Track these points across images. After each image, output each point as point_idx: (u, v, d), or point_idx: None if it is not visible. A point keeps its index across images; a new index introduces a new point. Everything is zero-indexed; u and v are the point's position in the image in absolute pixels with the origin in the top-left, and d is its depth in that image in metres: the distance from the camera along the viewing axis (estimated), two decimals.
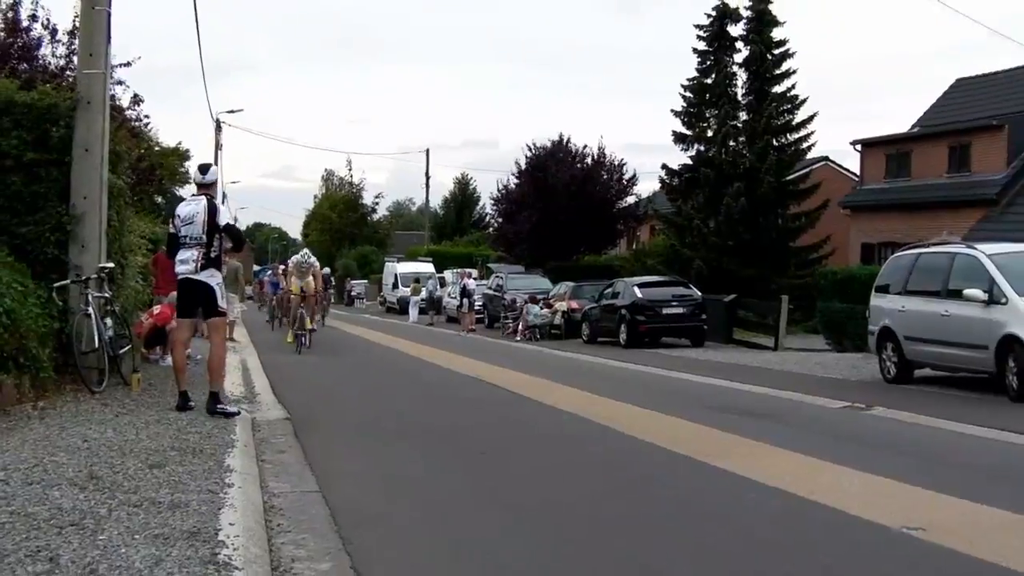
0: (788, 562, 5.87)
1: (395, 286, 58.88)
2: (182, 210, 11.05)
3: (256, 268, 52.25)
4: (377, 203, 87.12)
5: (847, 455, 9.30)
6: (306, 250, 28.08)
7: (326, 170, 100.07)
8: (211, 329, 11.31)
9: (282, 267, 36.27)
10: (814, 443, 10.10)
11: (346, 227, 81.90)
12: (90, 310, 12.00)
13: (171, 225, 11.28)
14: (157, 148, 23.58)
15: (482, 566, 5.89)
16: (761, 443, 10.10)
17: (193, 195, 11.36)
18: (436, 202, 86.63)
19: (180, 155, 28.99)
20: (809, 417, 12.46)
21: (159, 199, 26.10)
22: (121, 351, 12.89)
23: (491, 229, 67.77)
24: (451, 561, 5.99)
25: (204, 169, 11.53)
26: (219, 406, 10.78)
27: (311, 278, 25.26)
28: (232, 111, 66.39)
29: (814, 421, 11.99)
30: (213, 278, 10.89)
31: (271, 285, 37.87)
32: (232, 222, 11.26)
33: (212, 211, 10.88)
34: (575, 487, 8.11)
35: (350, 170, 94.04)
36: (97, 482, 6.94)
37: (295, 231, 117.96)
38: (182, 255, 10.88)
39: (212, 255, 10.89)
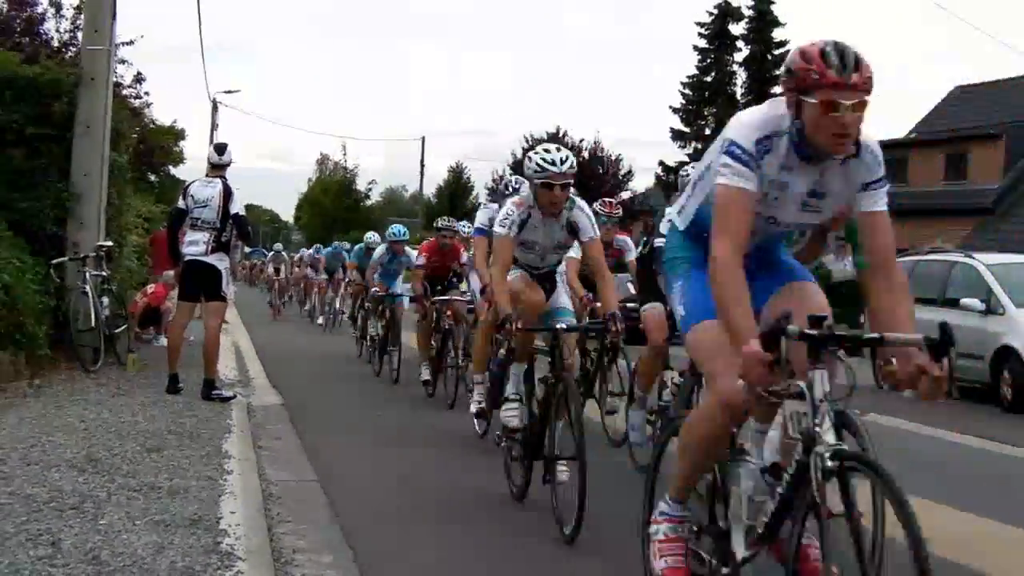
0: None
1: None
2: (197, 191, 10.95)
3: (248, 250, 51.86)
4: (371, 189, 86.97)
5: None
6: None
7: (321, 154, 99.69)
8: (209, 313, 11.17)
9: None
10: None
11: (339, 212, 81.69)
12: (87, 288, 11.93)
13: (180, 200, 11.15)
14: (152, 126, 23.41)
15: (488, 562, 5.86)
16: None
17: (207, 176, 11.18)
18: (430, 190, 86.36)
19: (175, 134, 28.78)
20: None
21: (153, 177, 25.93)
22: (117, 330, 12.82)
23: None
24: (455, 555, 5.95)
25: (221, 149, 11.38)
26: (214, 392, 10.72)
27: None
28: (229, 91, 66.01)
29: None
30: (222, 262, 10.83)
31: (312, 270, 28.06)
32: (243, 212, 11.16)
33: (227, 196, 10.85)
34: None
35: (345, 155, 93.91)
36: (96, 464, 6.89)
37: (287, 214, 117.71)
38: (192, 236, 10.81)
39: (223, 239, 10.84)
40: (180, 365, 11.05)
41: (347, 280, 21.73)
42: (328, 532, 6.20)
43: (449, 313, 12.51)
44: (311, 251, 31.82)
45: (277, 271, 31.85)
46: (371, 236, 20.14)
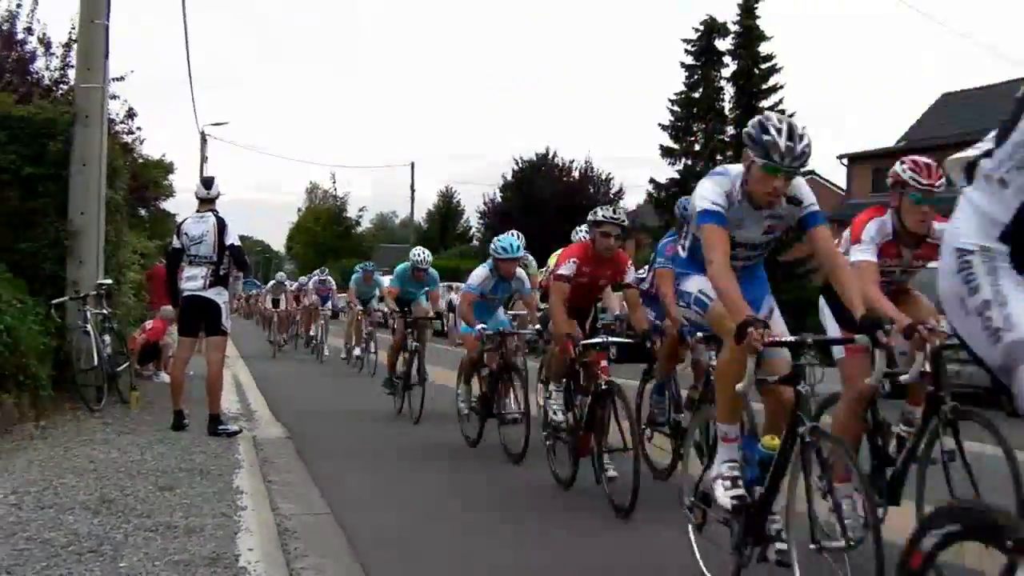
0: None
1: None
2: (190, 228, 10.96)
3: (242, 281, 51.92)
4: (361, 216, 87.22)
5: None
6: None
7: (311, 183, 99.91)
8: (210, 348, 11.18)
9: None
10: None
11: (330, 240, 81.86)
12: (89, 327, 11.91)
13: (175, 239, 11.17)
14: (141, 161, 23.38)
15: None
16: None
17: (198, 211, 11.19)
18: (420, 215, 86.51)
19: (165, 168, 28.75)
20: None
21: (143, 212, 25.89)
22: (119, 368, 12.79)
23: (474, 242, 67.79)
24: None
25: (208, 183, 11.36)
26: (220, 427, 10.70)
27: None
28: (217, 123, 66.32)
29: None
30: (220, 296, 10.84)
31: (322, 298, 25.90)
32: (237, 243, 11.15)
33: (221, 229, 10.88)
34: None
35: (334, 183, 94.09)
36: (110, 506, 6.86)
37: (278, 244, 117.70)
38: (190, 271, 10.82)
39: (221, 273, 10.86)
40: (184, 401, 11.03)
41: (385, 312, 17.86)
42: (347, 565, 6.15)
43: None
44: (314, 278, 27.35)
45: (276, 303, 28.76)
46: (419, 253, 14.57)
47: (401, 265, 15.08)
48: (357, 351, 21.68)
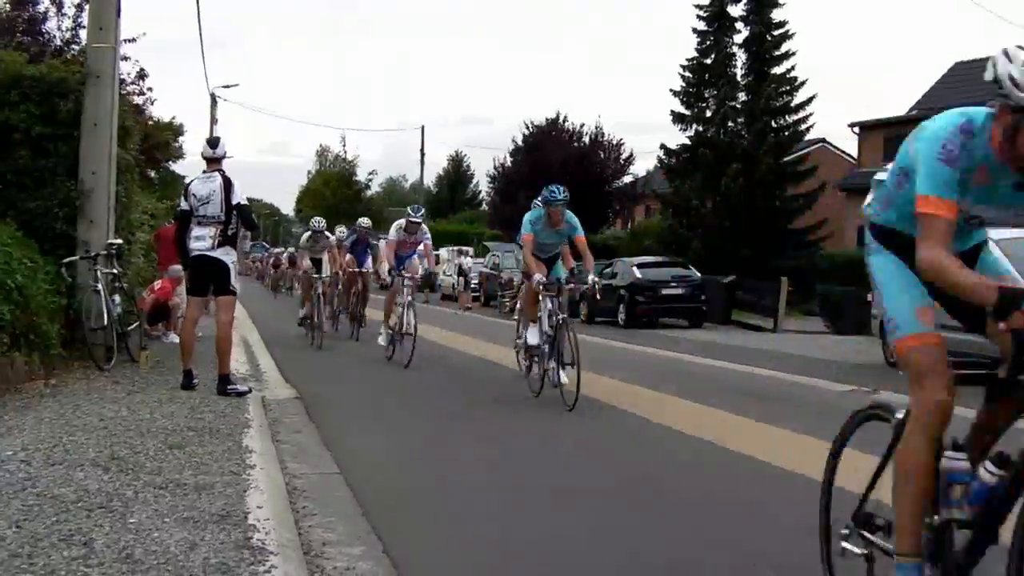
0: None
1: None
2: (197, 189, 10.91)
3: (250, 243, 51.81)
4: (371, 180, 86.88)
5: (857, 440, 9.24)
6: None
7: (320, 146, 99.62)
8: (220, 308, 11.18)
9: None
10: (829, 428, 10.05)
11: (339, 203, 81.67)
12: (99, 286, 11.95)
13: (182, 200, 11.14)
14: (151, 122, 23.40)
15: (506, 547, 5.85)
16: (780, 428, 10.07)
17: (205, 171, 11.14)
18: (430, 179, 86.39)
19: (174, 130, 28.80)
20: (819, 401, 12.45)
21: (153, 173, 25.94)
22: (129, 328, 12.82)
23: (484, 207, 67.65)
24: (482, 544, 5.94)
25: (214, 143, 11.35)
26: (230, 387, 10.74)
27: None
28: (227, 86, 65.96)
29: (824, 404, 11.95)
30: (228, 256, 10.82)
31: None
32: (244, 202, 11.11)
33: (228, 187, 10.82)
34: (594, 472, 8.10)
35: (344, 146, 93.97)
36: (120, 463, 6.88)
37: (288, 207, 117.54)
38: (198, 231, 10.78)
39: (230, 233, 10.83)
40: (192, 361, 11.09)
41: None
42: (355, 524, 6.19)
43: None
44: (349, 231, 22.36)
45: (316, 263, 20.73)
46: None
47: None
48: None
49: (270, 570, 4.82)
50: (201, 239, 10.78)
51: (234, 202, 10.83)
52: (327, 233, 21.41)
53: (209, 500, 6.05)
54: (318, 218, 21.00)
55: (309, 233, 21.70)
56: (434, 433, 9.78)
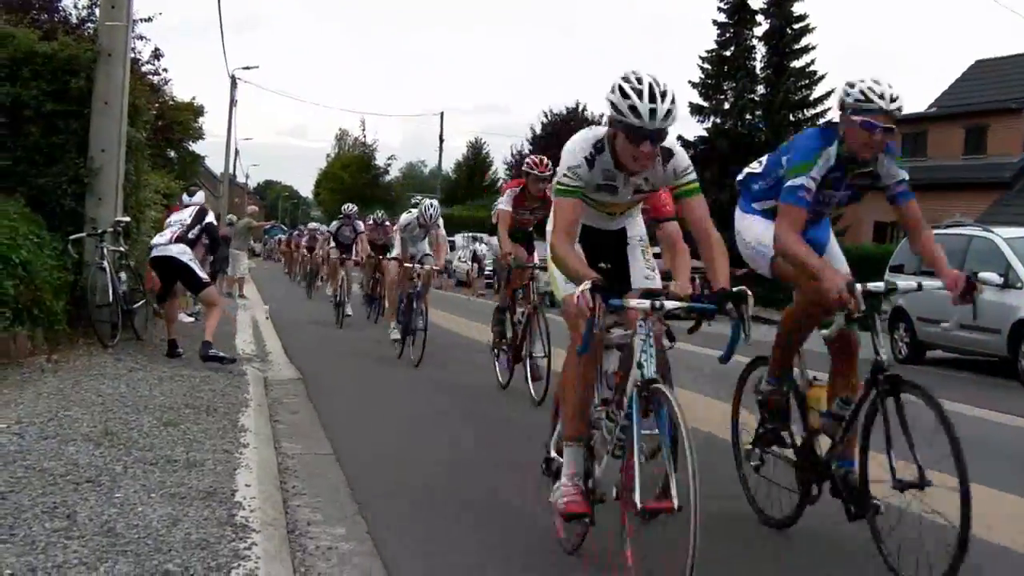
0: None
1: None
2: (174, 216, 12.31)
3: (266, 226, 51.97)
4: (390, 164, 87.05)
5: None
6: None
7: (340, 130, 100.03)
8: (205, 303, 12.44)
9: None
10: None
11: (358, 187, 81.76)
12: (105, 263, 11.99)
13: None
14: (171, 103, 23.42)
15: (500, 533, 5.87)
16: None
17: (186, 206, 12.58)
18: (448, 165, 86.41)
19: (195, 110, 28.85)
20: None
21: (172, 153, 25.98)
22: (135, 306, 12.88)
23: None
24: (467, 526, 5.96)
25: (191, 193, 13.18)
26: (211, 351, 11.36)
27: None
28: (248, 67, 66.06)
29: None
30: (184, 253, 11.68)
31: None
32: (215, 223, 12.53)
33: (202, 211, 12.24)
34: None
35: (364, 131, 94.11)
36: (112, 438, 6.93)
37: (306, 190, 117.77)
38: (160, 235, 12.13)
39: (190, 236, 11.82)
40: (175, 332, 12.10)
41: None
42: (342, 504, 6.23)
43: None
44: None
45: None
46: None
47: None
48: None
49: (251, 547, 4.86)
50: (161, 236, 11.92)
51: (204, 221, 12.09)
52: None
53: (198, 477, 6.09)
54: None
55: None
56: (433, 418, 9.79)
